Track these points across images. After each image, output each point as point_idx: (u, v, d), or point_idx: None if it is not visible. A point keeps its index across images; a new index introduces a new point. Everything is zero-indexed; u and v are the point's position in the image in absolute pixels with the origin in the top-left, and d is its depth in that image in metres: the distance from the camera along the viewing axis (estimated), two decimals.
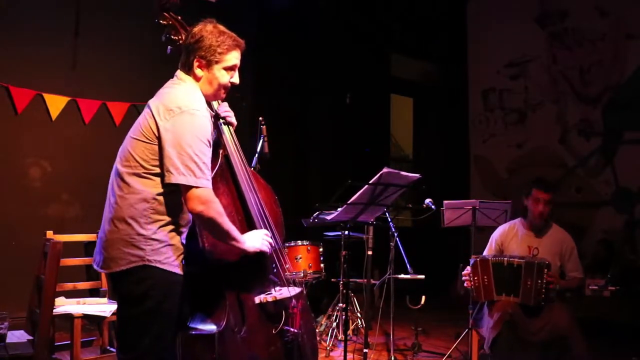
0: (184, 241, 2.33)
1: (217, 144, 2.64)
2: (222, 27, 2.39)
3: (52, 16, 4.99)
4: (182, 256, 2.29)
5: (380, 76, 7.96)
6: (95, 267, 2.30)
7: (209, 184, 2.22)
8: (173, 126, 2.16)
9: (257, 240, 2.46)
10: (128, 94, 5.17)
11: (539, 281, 3.46)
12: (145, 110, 2.28)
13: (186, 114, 2.18)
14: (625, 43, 6.29)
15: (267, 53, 6.57)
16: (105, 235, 2.23)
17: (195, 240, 2.40)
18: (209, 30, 2.33)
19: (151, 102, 2.29)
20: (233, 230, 2.34)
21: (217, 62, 2.34)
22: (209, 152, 2.24)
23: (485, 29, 7.58)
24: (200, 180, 2.17)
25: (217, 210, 2.24)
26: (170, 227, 2.24)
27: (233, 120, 2.68)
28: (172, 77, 2.40)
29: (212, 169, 2.51)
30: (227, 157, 2.60)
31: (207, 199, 2.20)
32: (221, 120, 2.65)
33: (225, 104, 2.69)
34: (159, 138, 2.17)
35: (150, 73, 4.83)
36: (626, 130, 6.26)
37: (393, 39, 7.96)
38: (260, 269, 2.66)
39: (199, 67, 2.33)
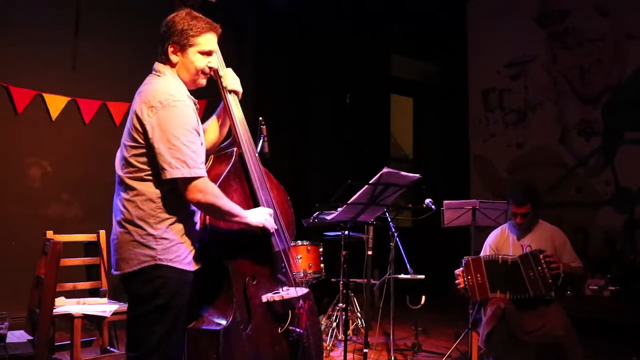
0: (197, 228, 2.35)
1: (231, 144, 2.63)
2: (196, 14, 2.37)
3: (52, 16, 5.00)
4: (194, 251, 2.31)
5: (380, 76, 7.96)
6: (112, 270, 2.31)
7: (204, 172, 2.24)
8: (158, 122, 2.16)
9: (261, 216, 2.47)
10: (128, 94, 5.08)
11: (539, 267, 3.50)
12: (130, 114, 2.27)
13: (168, 107, 2.18)
14: (625, 43, 6.28)
15: (267, 53, 6.57)
16: (117, 238, 2.24)
17: (202, 234, 2.41)
18: (181, 16, 2.33)
19: (134, 102, 2.28)
20: (234, 208, 2.36)
21: (191, 46, 2.32)
22: (197, 139, 2.24)
23: (485, 29, 7.57)
24: (193, 170, 2.18)
25: (214, 194, 2.26)
26: (180, 224, 2.26)
27: (238, 88, 2.62)
28: (151, 72, 2.39)
29: (226, 167, 2.53)
30: (241, 155, 2.60)
31: (203, 187, 2.22)
32: (226, 88, 2.57)
33: (231, 69, 2.63)
34: (147, 138, 2.17)
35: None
36: (626, 130, 6.25)
37: (393, 39, 7.96)
38: (269, 267, 2.67)
39: (174, 52, 2.32)
